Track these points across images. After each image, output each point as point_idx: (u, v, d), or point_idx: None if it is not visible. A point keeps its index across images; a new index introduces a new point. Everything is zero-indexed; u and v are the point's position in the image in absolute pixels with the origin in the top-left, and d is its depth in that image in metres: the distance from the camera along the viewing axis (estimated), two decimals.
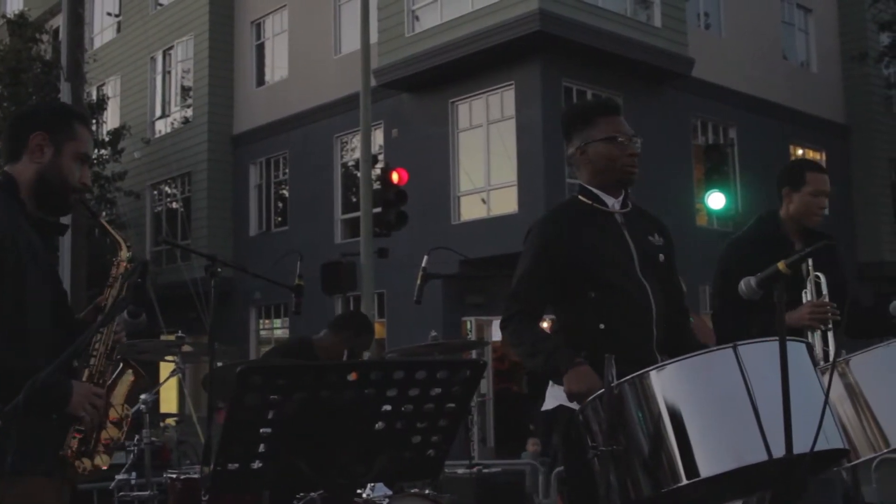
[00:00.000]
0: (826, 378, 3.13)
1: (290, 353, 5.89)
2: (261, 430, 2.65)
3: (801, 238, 4.79)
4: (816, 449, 2.87)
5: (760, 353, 3.02)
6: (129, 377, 3.15)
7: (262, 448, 2.68)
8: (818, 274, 4.55)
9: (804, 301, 4.53)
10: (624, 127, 3.90)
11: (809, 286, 4.54)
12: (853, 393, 3.74)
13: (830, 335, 4.42)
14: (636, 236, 3.85)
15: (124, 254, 3.23)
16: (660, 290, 3.83)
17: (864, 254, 24.88)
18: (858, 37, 26.15)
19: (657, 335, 3.77)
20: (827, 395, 2.99)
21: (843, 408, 3.69)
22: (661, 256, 3.91)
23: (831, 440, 3.06)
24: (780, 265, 2.97)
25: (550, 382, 3.86)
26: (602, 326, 3.71)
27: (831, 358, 4.27)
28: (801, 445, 2.82)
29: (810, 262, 4.51)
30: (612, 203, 3.90)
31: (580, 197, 3.98)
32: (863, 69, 25.49)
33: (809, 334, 4.45)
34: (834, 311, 4.43)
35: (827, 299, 4.49)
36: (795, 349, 3.09)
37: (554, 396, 3.74)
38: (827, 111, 25.82)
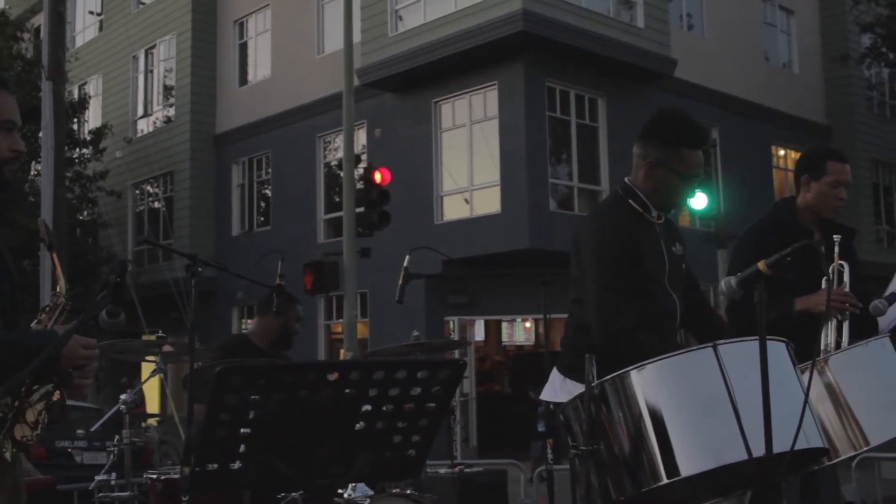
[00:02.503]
0: (806, 377, 3.13)
1: (229, 353, 5.86)
2: (240, 431, 2.63)
3: (819, 228, 4.67)
4: (796, 448, 2.87)
5: (740, 353, 3.03)
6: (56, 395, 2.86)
7: (241, 448, 2.67)
8: (842, 263, 4.44)
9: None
10: (700, 166, 3.89)
11: (833, 275, 4.45)
12: (833, 392, 3.74)
13: (845, 326, 4.31)
14: (667, 247, 3.90)
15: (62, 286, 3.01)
16: (682, 300, 3.90)
17: None
18: (840, 38, 26.29)
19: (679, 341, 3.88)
20: (807, 394, 2.99)
21: (822, 407, 3.69)
22: (684, 266, 3.97)
23: (811, 439, 3.07)
24: (761, 265, 2.96)
25: (562, 377, 3.87)
26: None
27: (843, 346, 4.25)
28: (781, 444, 2.83)
29: (837, 249, 4.44)
30: (654, 214, 3.91)
31: (631, 201, 3.90)
32: (844, 70, 25.62)
33: (823, 322, 4.35)
34: (854, 303, 4.31)
35: (847, 289, 4.40)
36: (775, 348, 3.10)
37: (567, 391, 3.74)
38: (808, 112, 25.93)
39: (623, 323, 3.61)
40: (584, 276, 3.81)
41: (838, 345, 4.28)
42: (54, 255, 3.19)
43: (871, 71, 26.66)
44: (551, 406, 3.96)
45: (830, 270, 4.45)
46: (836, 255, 4.45)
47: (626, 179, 3.98)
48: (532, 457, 15.40)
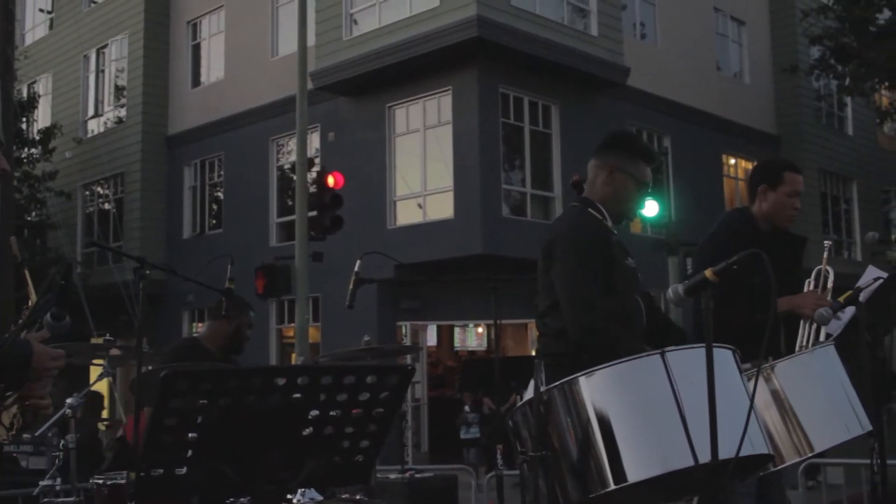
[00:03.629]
0: (752, 384, 3.17)
1: (179, 356, 5.81)
2: (186, 436, 2.61)
3: (772, 236, 4.80)
4: (742, 454, 2.90)
5: (687, 360, 3.05)
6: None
7: (187, 454, 2.64)
8: (828, 268, 4.62)
9: (805, 290, 4.63)
10: (649, 180, 4.14)
11: (820, 279, 4.61)
12: (779, 399, 3.79)
13: (823, 330, 4.48)
14: (624, 258, 4.04)
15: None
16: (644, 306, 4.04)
17: None
18: (790, 49, 26.66)
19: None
20: (752, 400, 3.02)
21: (768, 413, 3.74)
22: (639, 277, 4.10)
23: (756, 445, 3.10)
24: (708, 272, 2.99)
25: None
26: None
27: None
28: (727, 450, 2.85)
29: (825, 254, 4.61)
30: (610, 224, 4.07)
31: (590, 210, 4.06)
32: (794, 81, 25.97)
33: (802, 324, 4.53)
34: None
35: (830, 296, 4.56)
36: (722, 356, 3.13)
37: None
38: (758, 122, 26.26)
39: (600, 314, 3.75)
40: (559, 278, 3.88)
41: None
42: (26, 272, 3.33)
43: (819, 82, 27.04)
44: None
45: (816, 274, 4.67)
46: (824, 259, 4.64)
47: (581, 195, 4.15)
48: (469, 462, 15.40)
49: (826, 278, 4.62)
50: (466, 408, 18.55)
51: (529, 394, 3.93)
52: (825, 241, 4.74)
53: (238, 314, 5.97)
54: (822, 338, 4.49)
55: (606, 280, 3.85)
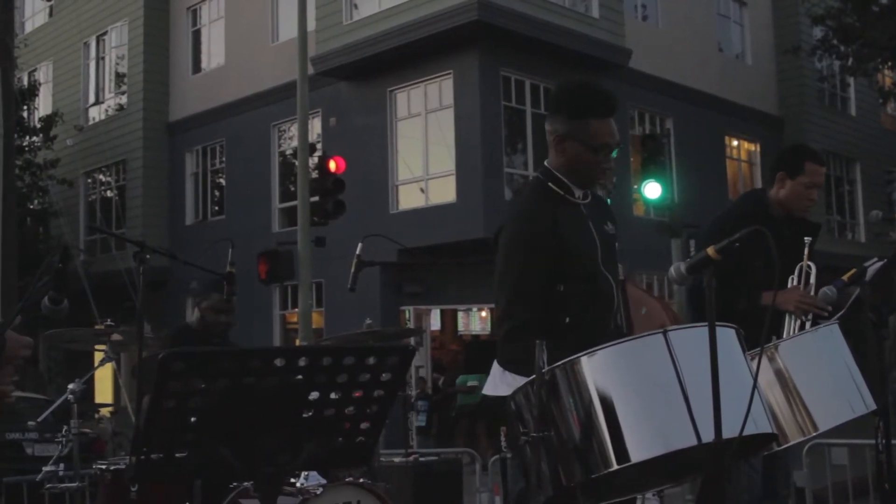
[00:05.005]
0: (755, 363, 3.14)
1: (175, 341, 5.73)
2: (184, 419, 2.59)
3: (787, 223, 4.74)
4: (745, 433, 2.88)
5: (690, 339, 3.02)
6: None
7: (186, 437, 2.63)
8: (810, 263, 4.53)
9: (790, 286, 4.53)
10: (611, 135, 3.69)
11: (801, 275, 4.56)
12: (782, 378, 3.77)
13: (808, 325, 4.41)
14: (597, 227, 3.75)
15: None
16: (618, 279, 3.80)
17: None
18: (792, 30, 26.56)
19: (614, 325, 3.76)
20: (755, 379, 3.00)
21: (772, 393, 3.71)
22: (617, 245, 3.84)
23: (760, 425, 3.08)
24: (710, 250, 2.96)
25: (502, 370, 3.74)
26: (567, 320, 3.62)
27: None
28: (730, 430, 2.83)
29: (806, 250, 4.52)
30: (578, 194, 3.75)
31: (550, 184, 3.74)
32: (796, 62, 25.88)
33: (787, 318, 4.46)
34: (821, 307, 4.40)
35: (813, 290, 4.47)
36: (725, 335, 3.10)
37: (507, 384, 3.62)
38: (761, 103, 26.18)
39: (515, 321, 3.58)
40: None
41: None
42: None
43: (822, 63, 26.96)
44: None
45: (798, 270, 4.56)
46: (805, 255, 4.55)
47: (545, 162, 3.83)
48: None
49: (808, 274, 4.55)
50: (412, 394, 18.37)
51: (491, 386, 3.81)
52: (805, 238, 4.59)
53: (201, 298, 5.69)
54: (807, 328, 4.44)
55: (549, 270, 3.60)
